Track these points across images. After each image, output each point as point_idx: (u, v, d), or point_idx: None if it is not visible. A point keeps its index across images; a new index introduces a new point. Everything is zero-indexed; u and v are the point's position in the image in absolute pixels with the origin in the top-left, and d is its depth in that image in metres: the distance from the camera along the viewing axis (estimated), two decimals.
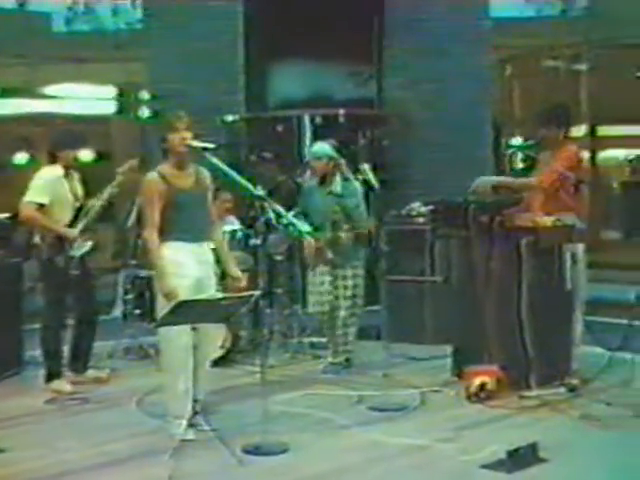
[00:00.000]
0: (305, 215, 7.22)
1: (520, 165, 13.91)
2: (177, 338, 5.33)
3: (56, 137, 7.08)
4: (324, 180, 7.25)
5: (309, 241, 7.04)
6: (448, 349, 7.15)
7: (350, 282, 7.24)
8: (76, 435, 5.79)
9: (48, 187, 6.71)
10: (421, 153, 10.53)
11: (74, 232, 6.73)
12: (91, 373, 7.16)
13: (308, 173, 7.72)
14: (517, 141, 14.58)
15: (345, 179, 7.23)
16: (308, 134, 10.53)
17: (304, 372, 7.40)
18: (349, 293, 7.24)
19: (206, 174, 5.79)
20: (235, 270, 5.87)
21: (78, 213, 6.79)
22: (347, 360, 7.37)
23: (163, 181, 5.59)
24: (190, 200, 5.61)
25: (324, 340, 7.88)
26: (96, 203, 6.83)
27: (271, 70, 11.57)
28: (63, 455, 5.39)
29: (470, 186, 6.83)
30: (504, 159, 13.82)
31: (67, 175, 6.83)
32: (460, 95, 10.61)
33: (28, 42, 14.43)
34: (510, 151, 13.76)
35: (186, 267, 5.54)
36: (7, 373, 7.26)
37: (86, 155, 15.96)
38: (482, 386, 6.27)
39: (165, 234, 5.59)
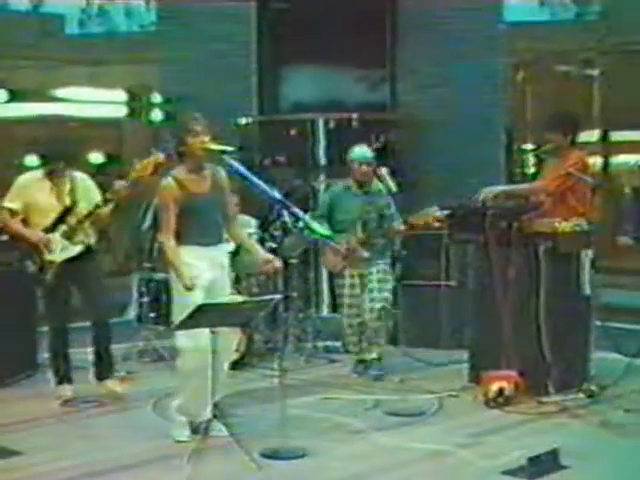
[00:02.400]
0: (328, 219, 7.21)
1: (532, 170, 13.91)
2: (196, 341, 5.30)
3: (43, 142, 7.00)
4: (361, 183, 7.27)
5: (339, 243, 7.00)
6: (465, 354, 7.13)
7: (382, 282, 7.15)
8: (91, 438, 5.79)
9: (20, 192, 6.60)
10: (434, 157, 10.49)
11: (37, 236, 6.52)
12: (108, 384, 6.82)
13: (319, 179, 7.77)
14: (529, 146, 14.58)
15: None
16: (321, 138, 10.50)
17: (320, 376, 7.37)
18: (381, 295, 7.11)
19: (223, 175, 5.76)
20: (265, 254, 5.89)
21: (63, 217, 6.59)
22: (379, 359, 7.27)
23: (178, 186, 5.57)
24: (205, 205, 5.60)
25: (338, 344, 7.86)
26: (91, 207, 6.56)
27: (284, 73, 11.54)
28: (78, 458, 5.37)
29: (477, 194, 6.82)
30: (516, 164, 13.83)
31: (53, 178, 6.64)
32: (473, 99, 10.56)
33: (41, 44, 14.43)
34: (523, 156, 13.80)
35: (199, 270, 5.52)
36: (22, 375, 7.25)
37: (97, 158, 16.05)
38: (500, 391, 6.25)
39: (181, 238, 5.58)
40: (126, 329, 8.37)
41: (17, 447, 5.56)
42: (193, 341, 5.36)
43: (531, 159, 14.67)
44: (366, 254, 7.09)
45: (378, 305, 7.08)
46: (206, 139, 5.57)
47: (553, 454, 5.05)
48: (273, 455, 5.25)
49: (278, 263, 5.82)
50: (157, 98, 12.06)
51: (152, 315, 8.01)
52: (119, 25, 14.85)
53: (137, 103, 12.95)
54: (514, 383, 6.29)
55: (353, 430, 5.84)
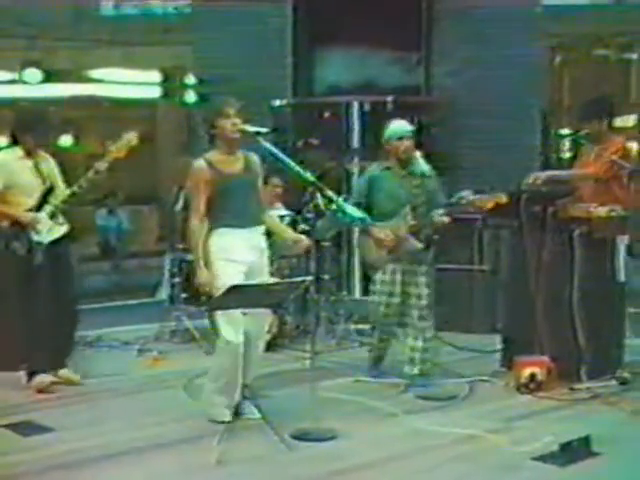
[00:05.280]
0: (367, 206, 6.46)
1: (567, 154, 13.77)
2: (233, 323, 5.30)
3: (17, 119, 6.65)
4: (404, 162, 6.53)
5: (385, 231, 6.40)
6: (497, 339, 7.10)
7: (424, 280, 6.50)
8: (123, 417, 5.82)
9: (1, 171, 6.39)
10: (469, 141, 10.42)
11: (29, 216, 6.34)
12: (63, 373, 6.58)
13: (352, 162, 7.41)
14: (565, 130, 14.48)
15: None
16: (356, 121, 10.46)
17: (351, 359, 7.34)
18: (423, 297, 6.50)
19: (256, 159, 5.75)
20: (294, 234, 5.87)
21: (46, 197, 6.44)
22: (423, 372, 6.57)
23: (210, 168, 5.55)
24: (239, 185, 5.57)
25: (369, 327, 7.84)
26: (74, 187, 6.41)
27: (318, 55, 11.50)
28: (109, 437, 5.41)
29: (518, 178, 6.74)
30: (552, 148, 13.74)
31: (32, 157, 6.48)
32: (509, 83, 10.47)
33: (76, 25, 14.50)
34: (559, 140, 13.71)
35: (237, 253, 5.49)
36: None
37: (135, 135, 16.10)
38: (532, 377, 6.22)
39: (215, 220, 5.57)
40: (158, 309, 8.42)
41: (50, 424, 5.61)
42: (230, 322, 5.35)
43: (567, 144, 14.60)
44: (419, 245, 6.43)
45: (427, 324, 6.52)
46: (238, 121, 5.55)
47: (585, 441, 5.02)
48: (304, 437, 5.26)
49: (308, 242, 5.80)
50: (191, 79, 12.07)
51: (184, 296, 8.03)
52: (154, 7, 14.87)
53: (171, 84, 12.96)
54: (546, 369, 6.25)
55: (384, 413, 5.84)
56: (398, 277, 6.47)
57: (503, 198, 6.20)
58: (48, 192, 6.46)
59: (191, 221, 5.60)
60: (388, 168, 6.58)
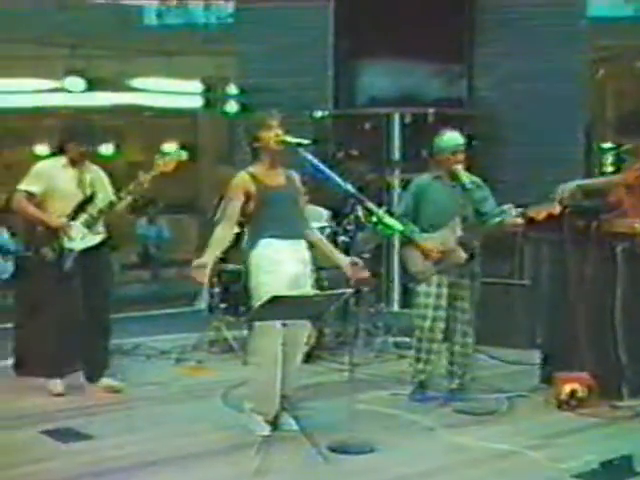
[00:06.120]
0: (414, 217, 6.42)
1: (610, 169, 13.64)
2: (272, 333, 5.28)
3: (64, 129, 6.80)
4: (454, 174, 6.38)
5: (430, 244, 6.31)
6: (536, 354, 7.04)
7: (469, 294, 6.43)
8: (161, 426, 5.83)
9: (42, 177, 6.49)
10: (511, 154, 10.38)
11: (59, 221, 6.41)
12: (105, 382, 6.67)
13: (393, 174, 7.35)
14: (608, 144, 14.33)
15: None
16: (397, 133, 10.45)
17: (390, 372, 7.32)
18: (467, 311, 6.45)
19: (296, 177, 5.78)
20: (347, 258, 5.76)
21: (83, 206, 6.50)
22: (462, 386, 6.51)
23: (253, 180, 5.57)
24: (282, 198, 5.59)
25: (408, 340, 7.79)
26: (113, 198, 6.49)
27: (360, 67, 11.51)
28: (147, 445, 5.43)
29: (556, 191, 6.66)
30: (595, 162, 13.62)
31: (75, 166, 6.55)
32: (552, 96, 10.42)
33: (119, 35, 14.59)
34: (601, 154, 13.59)
35: (282, 264, 5.49)
36: None
37: (171, 148, 16.24)
38: (572, 393, 6.14)
39: (259, 232, 5.57)
40: (197, 319, 8.45)
41: (88, 431, 5.64)
42: (269, 333, 5.32)
43: (610, 158, 14.48)
44: (465, 256, 6.30)
45: (470, 340, 6.47)
46: (280, 132, 5.56)
47: (627, 460, 4.94)
48: (341, 449, 5.23)
49: (365, 274, 5.75)
50: (233, 89, 12.12)
51: (223, 305, 8.04)
52: (197, 17, 14.94)
53: (213, 94, 13.02)
54: (587, 385, 6.18)
55: (422, 427, 5.80)
56: (444, 290, 6.36)
57: (557, 209, 6.08)
58: (87, 201, 6.53)
59: (220, 225, 5.62)
60: (438, 178, 6.46)
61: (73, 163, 6.56)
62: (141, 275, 14.98)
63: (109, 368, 6.75)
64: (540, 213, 6.11)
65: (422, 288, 6.41)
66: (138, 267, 15.59)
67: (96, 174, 6.69)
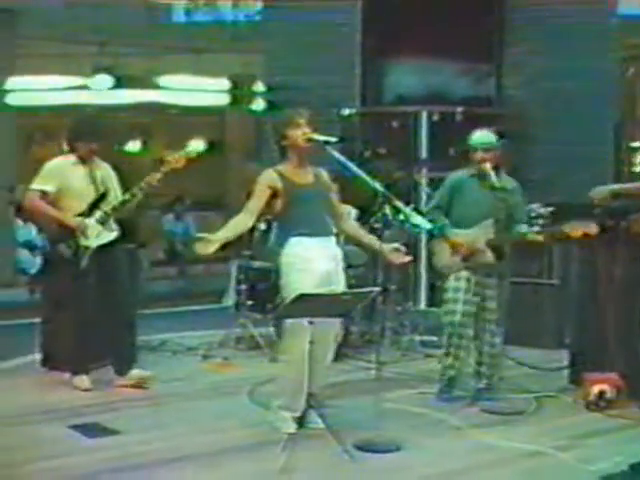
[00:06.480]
0: (447, 211, 6.40)
1: (639, 168, 13.51)
2: (300, 331, 5.26)
3: (73, 127, 6.81)
4: (487, 173, 6.30)
5: (460, 239, 6.27)
6: (565, 354, 6.99)
7: (496, 294, 6.35)
8: (187, 422, 5.84)
9: (54, 175, 6.52)
10: (540, 153, 10.34)
11: (75, 221, 6.45)
12: (135, 373, 6.67)
13: (421, 172, 7.26)
14: (638, 143, 14.23)
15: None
16: (424, 131, 10.42)
17: (416, 370, 7.29)
18: (495, 311, 6.36)
19: (325, 174, 5.77)
20: (388, 245, 5.70)
21: (97, 203, 6.55)
22: (490, 386, 6.43)
23: (280, 178, 5.57)
24: (311, 195, 5.58)
25: (435, 339, 7.77)
26: (127, 195, 6.53)
27: (387, 65, 11.50)
28: (173, 441, 5.44)
29: (590, 191, 6.61)
30: (624, 161, 13.52)
31: (85, 164, 6.59)
32: (582, 94, 10.38)
33: (148, 32, 14.62)
34: (631, 153, 13.49)
35: (313, 261, 5.47)
36: None
37: (197, 145, 16.25)
38: (601, 394, 6.10)
39: (288, 230, 5.57)
40: (223, 316, 8.46)
41: (115, 426, 5.66)
42: (298, 330, 5.28)
43: (639, 157, 14.38)
44: (492, 258, 6.26)
45: (498, 339, 6.40)
46: (308, 130, 5.55)
47: None
48: (367, 447, 5.21)
49: (407, 258, 5.71)
50: (260, 87, 12.14)
51: (249, 303, 8.05)
52: (225, 14, 14.96)
53: (240, 92, 13.04)
54: (616, 386, 6.13)
55: (449, 426, 5.77)
56: (473, 287, 6.29)
57: (594, 229, 5.96)
58: (100, 198, 6.57)
59: (240, 214, 5.60)
60: (475, 176, 6.39)
61: (83, 161, 6.61)
62: (168, 272, 15.00)
63: (137, 362, 6.77)
64: (576, 231, 6.00)
65: (451, 283, 6.33)
66: (165, 264, 15.62)
67: (105, 171, 6.74)
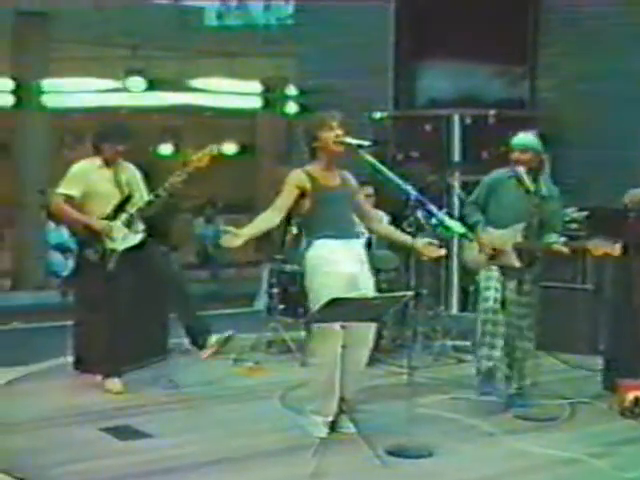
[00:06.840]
0: (483, 208, 6.37)
1: None
2: (332, 335, 5.25)
3: (99, 129, 6.86)
4: (519, 177, 6.25)
5: (486, 239, 6.21)
6: (599, 360, 6.92)
7: (525, 300, 6.26)
8: (219, 425, 5.85)
9: (79, 179, 6.54)
10: (575, 156, 10.22)
11: (101, 224, 6.47)
12: (214, 339, 6.80)
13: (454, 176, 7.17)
14: None
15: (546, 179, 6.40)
16: (457, 134, 10.36)
17: (449, 375, 7.25)
18: (523, 316, 6.28)
19: (350, 177, 5.76)
20: (422, 240, 5.69)
21: (123, 205, 6.57)
22: (522, 391, 6.38)
23: (309, 178, 5.56)
24: (338, 198, 5.58)
25: (467, 344, 7.71)
26: (151, 196, 6.54)
27: (420, 68, 11.45)
28: (205, 445, 5.44)
29: (623, 196, 6.54)
30: None
31: (111, 167, 6.61)
32: (617, 97, 10.25)
33: (180, 35, 14.70)
34: None
35: (338, 264, 5.45)
36: (154, 359, 7.34)
37: (230, 148, 16.31)
38: (636, 401, 6.02)
39: (314, 233, 5.57)
40: (255, 319, 8.44)
41: (147, 430, 5.68)
42: (329, 335, 5.28)
43: None
44: (517, 263, 6.17)
45: (529, 344, 6.34)
46: (341, 133, 5.53)
47: None
48: (399, 453, 5.18)
49: (442, 251, 5.70)
50: (292, 90, 12.15)
51: (281, 307, 8.03)
52: (257, 18, 15.02)
53: (272, 95, 13.07)
54: None
55: (482, 432, 5.72)
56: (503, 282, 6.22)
57: (617, 250, 5.91)
58: (125, 201, 6.59)
59: (267, 210, 5.59)
60: (512, 177, 6.32)
61: (108, 163, 6.63)
62: (199, 275, 15.04)
63: (211, 331, 6.83)
64: (598, 250, 5.95)
65: (483, 274, 6.29)
66: (196, 267, 15.67)
67: (131, 173, 6.75)
